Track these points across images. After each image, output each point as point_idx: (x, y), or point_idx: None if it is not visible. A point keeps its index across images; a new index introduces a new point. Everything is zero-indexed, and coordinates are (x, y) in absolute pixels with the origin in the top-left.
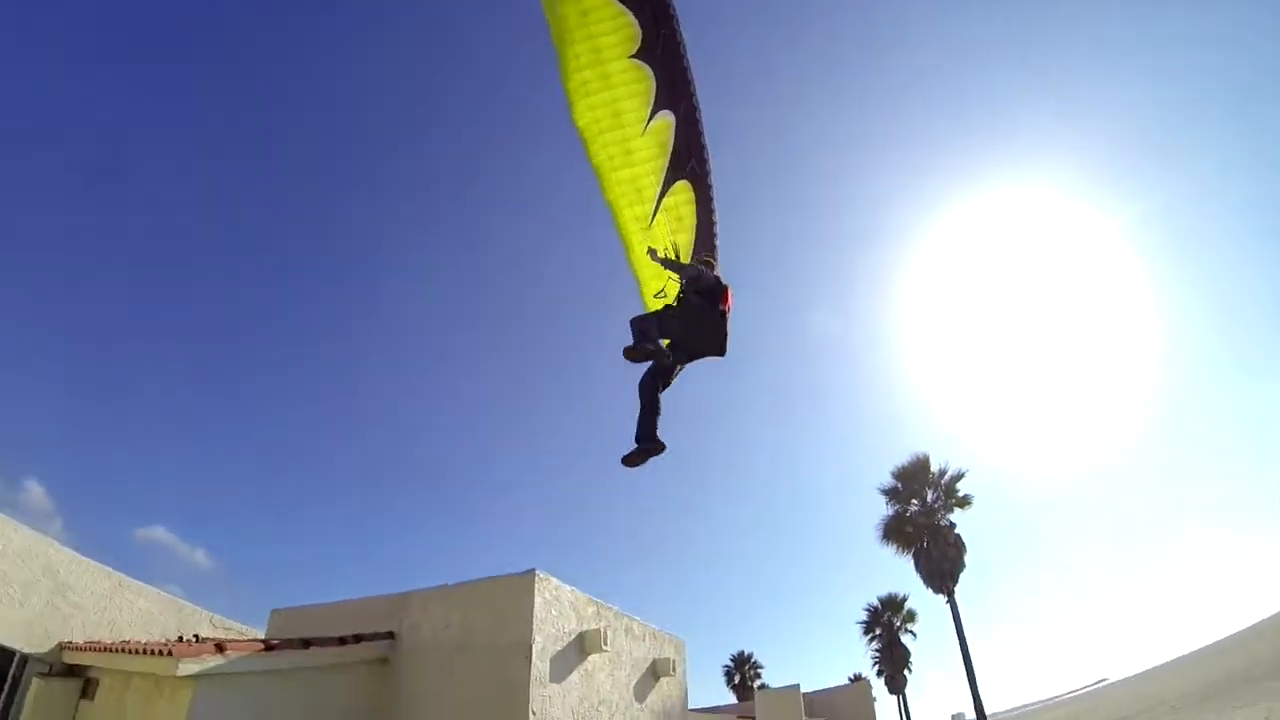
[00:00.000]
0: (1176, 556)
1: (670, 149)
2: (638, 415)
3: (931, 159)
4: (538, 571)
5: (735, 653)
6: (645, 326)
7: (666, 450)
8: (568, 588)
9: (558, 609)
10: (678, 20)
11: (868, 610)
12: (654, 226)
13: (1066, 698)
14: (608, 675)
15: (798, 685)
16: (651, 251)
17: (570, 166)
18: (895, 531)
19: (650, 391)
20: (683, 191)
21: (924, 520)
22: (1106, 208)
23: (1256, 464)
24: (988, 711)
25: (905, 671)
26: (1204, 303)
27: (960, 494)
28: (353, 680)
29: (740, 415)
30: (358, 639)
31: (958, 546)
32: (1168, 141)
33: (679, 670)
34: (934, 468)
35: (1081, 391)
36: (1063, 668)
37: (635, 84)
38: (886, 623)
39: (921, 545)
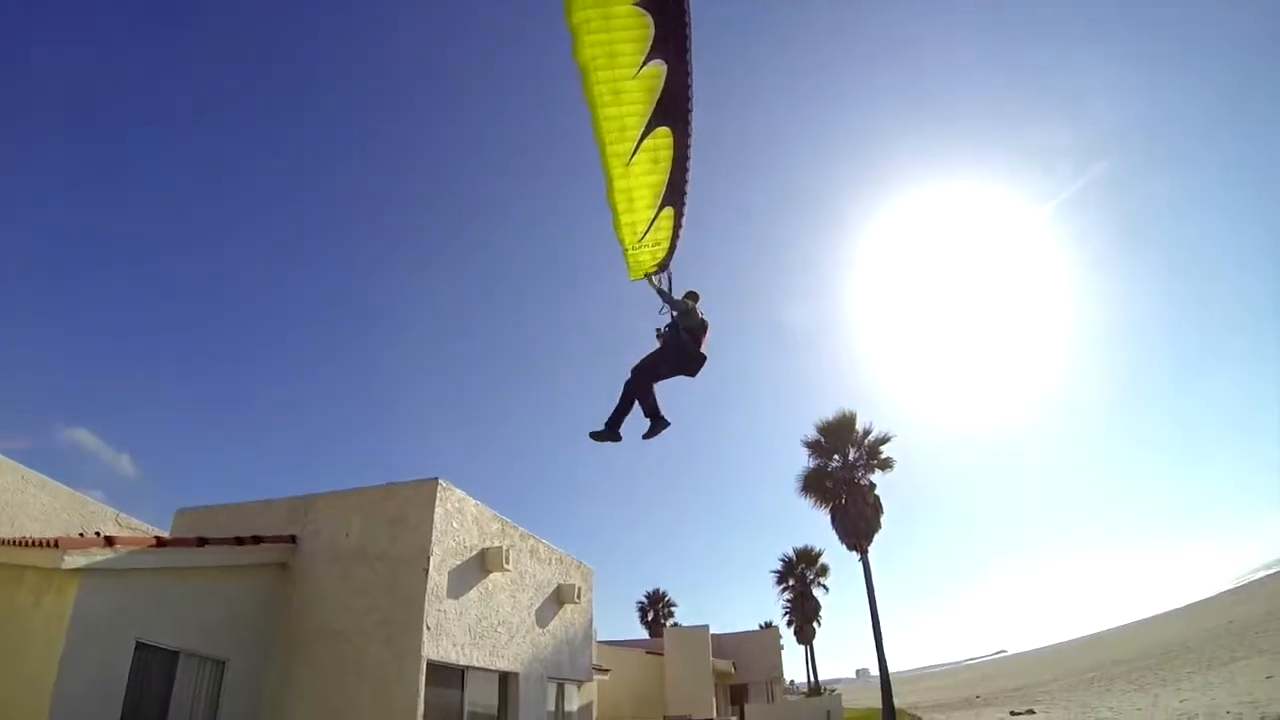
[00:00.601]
0: (1074, 547)
1: (658, 95)
2: (616, 405)
3: (877, 157)
4: (441, 480)
5: (650, 590)
6: (644, 376)
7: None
8: (472, 501)
9: (460, 521)
10: None
11: (782, 561)
12: (633, 164)
13: (968, 664)
14: (509, 596)
15: (707, 626)
16: (647, 276)
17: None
18: (814, 485)
19: (631, 397)
20: (663, 136)
21: (844, 476)
22: (1031, 200)
23: (1161, 472)
24: (893, 670)
25: (814, 624)
26: (1126, 292)
27: (883, 456)
28: (251, 583)
29: None
30: (257, 540)
31: (875, 507)
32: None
33: (585, 598)
34: (859, 426)
35: (1007, 382)
36: (962, 636)
37: (635, 30)
38: (800, 575)
39: (840, 501)
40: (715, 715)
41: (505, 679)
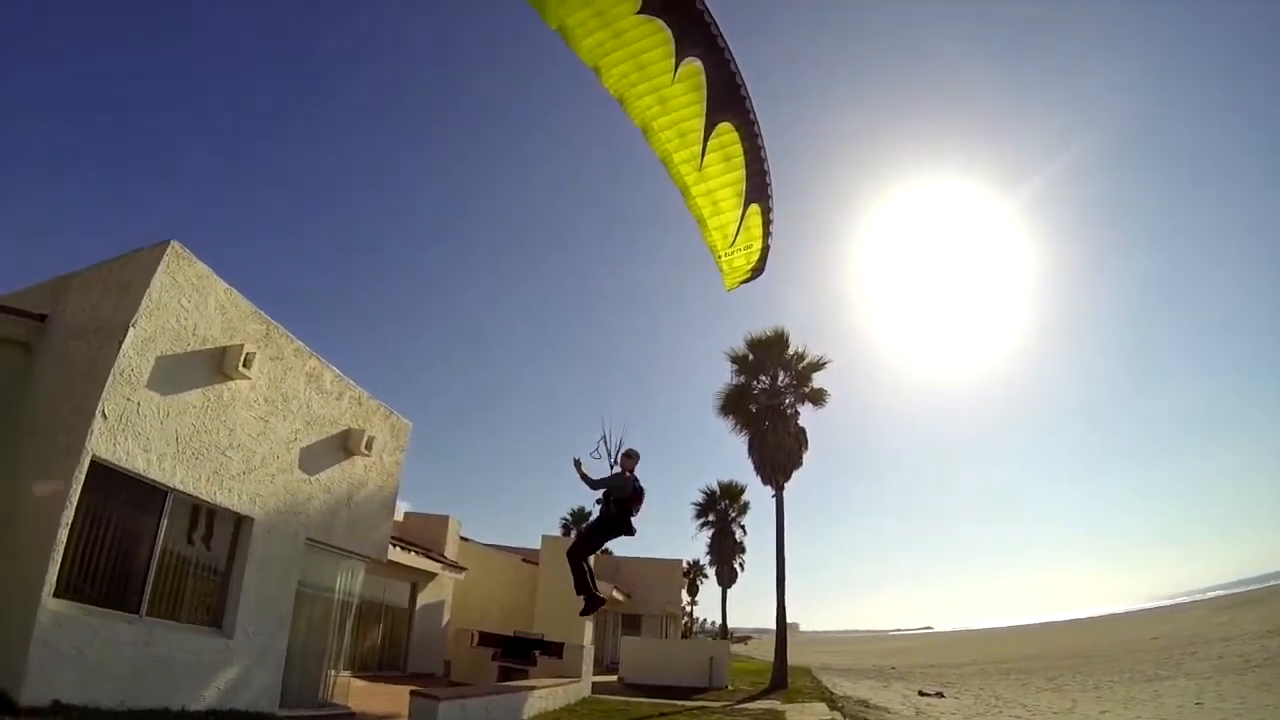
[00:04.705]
0: (1009, 544)
1: (705, 92)
2: (575, 580)
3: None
4: (176, 244)
5: (576, 508)
6: (578, 555)
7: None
8: (223, 284)
9: (196, 303)
10: None
11: (704, 494)
12: (705, 167)
13: (891, 635)
14: (257, 418)
15: None
16: (576, 462)
17: None
18: (735, 405)
19: (576, 562)
20: (728, 132)
21: (767, 401)
22: (1001, 192)
23: (1112, 482)
24: (820, 630)
25: (735, 565)
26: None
27: (814, 385)
28: None
29: (631, 258)
30: None
31: (798, 439)
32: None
33: (388, 458)
34: (792, 348)
35: (955, 354)
36: (895, 609)
37: (651, 36)
38: (722, 511)
39: (762, 426)
40: (586, 643)
41: (239, 524)
